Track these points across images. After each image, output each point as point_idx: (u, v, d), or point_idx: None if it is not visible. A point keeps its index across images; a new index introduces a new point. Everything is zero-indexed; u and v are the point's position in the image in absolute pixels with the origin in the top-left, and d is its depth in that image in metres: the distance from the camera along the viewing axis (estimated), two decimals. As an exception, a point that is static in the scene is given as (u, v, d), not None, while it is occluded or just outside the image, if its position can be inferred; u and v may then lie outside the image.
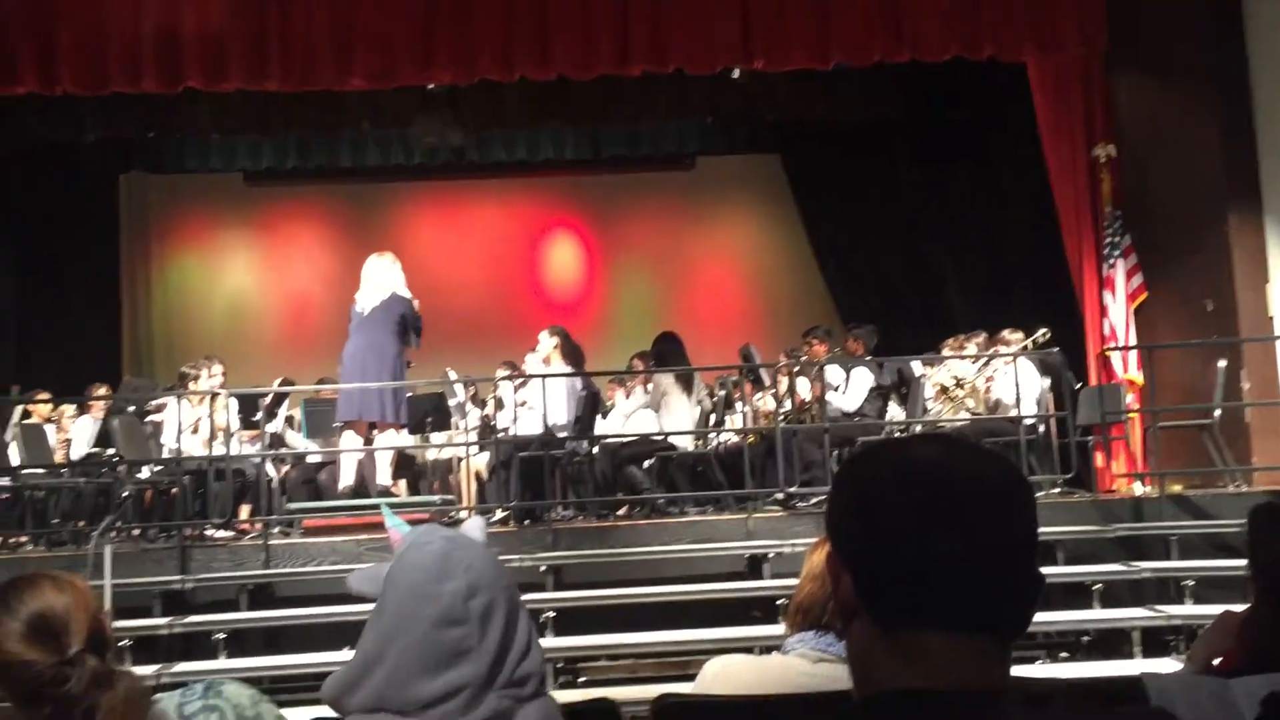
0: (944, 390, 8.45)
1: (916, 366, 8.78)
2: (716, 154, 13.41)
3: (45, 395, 9.13)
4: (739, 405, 9.05)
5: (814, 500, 7.64)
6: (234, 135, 11.96)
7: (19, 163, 11.63)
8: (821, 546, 2.19)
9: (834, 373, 8.47)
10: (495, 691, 1.43)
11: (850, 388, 8.47)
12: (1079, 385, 8.61)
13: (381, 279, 7.81)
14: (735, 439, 8.94)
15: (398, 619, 1.41)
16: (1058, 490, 7.97)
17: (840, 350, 9.00)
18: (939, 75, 10.23)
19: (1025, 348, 8.36)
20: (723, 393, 9.34)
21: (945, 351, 8.75)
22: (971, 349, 8.58)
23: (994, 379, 8.30)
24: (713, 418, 9.12)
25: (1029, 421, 7.96)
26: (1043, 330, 8.51)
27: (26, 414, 8.84)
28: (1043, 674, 4.69)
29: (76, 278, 12.38)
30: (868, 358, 8.74)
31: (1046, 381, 8.31)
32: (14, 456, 8.19)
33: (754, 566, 7.08)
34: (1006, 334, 8.53)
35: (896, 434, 8.59)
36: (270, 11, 9.10)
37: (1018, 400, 7.89)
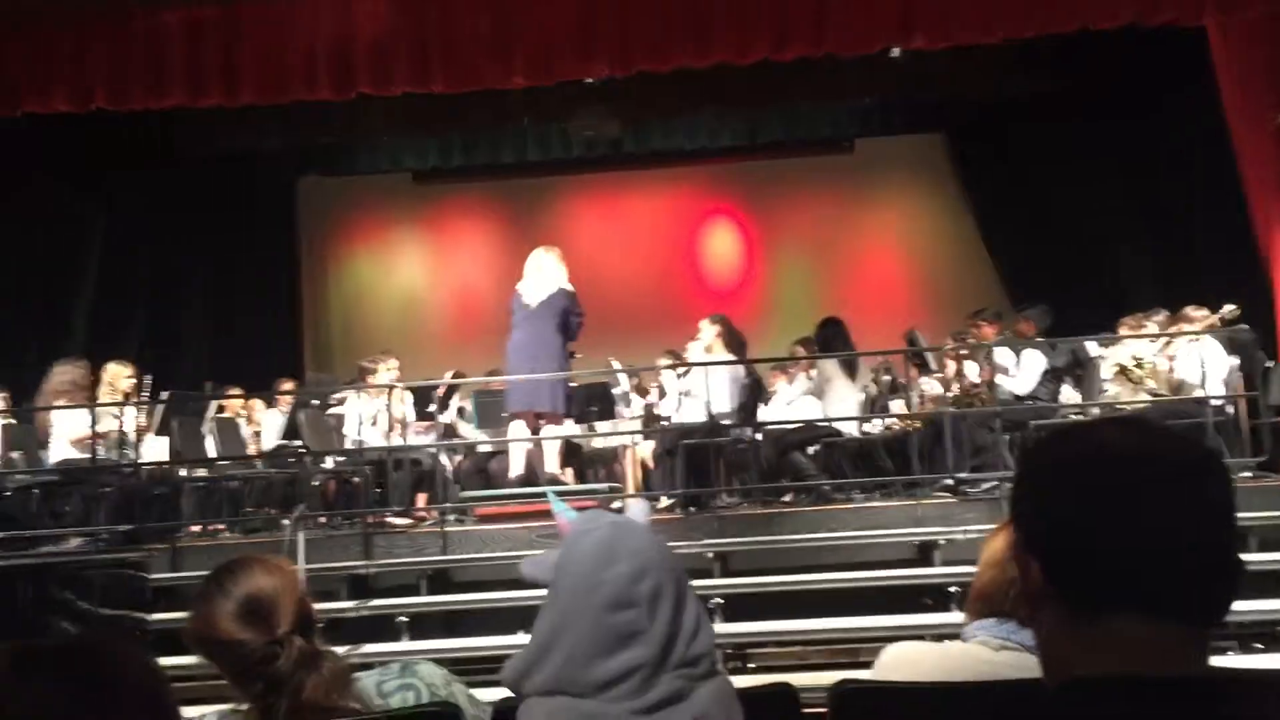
0: (1123, 371, 8.10)
1: (1092, 347, 8.45)
2: (876, 135, 13.18)
3: (237, 391, 9.65)
4: (904, 390, 8.90)
5: (985, 486, 7.46)
6: (402, 137, 12.38)
7: (205, 170, 12.32)
8: (1001, 533, 2.15)
9: (1004, 355, 8.24)
10: (669, 672, 1.46)
11: (1022, 370, 8.22)
12: (1270, 363, 8.14)
13: (546, 273, 7.95)
14: (901, 424, 8.80)
15: (569, 605, 1.45)
16: (1249, 474, 7.56)
17: (1010, 332, 8.74)
18: (1109, 42, 9.79)
19: (1212, 325, 7.95)
20: (888, 378, 9.20)
21: (1123, 331, 8.40)
22: (1151, 328, 8.21)
23: (1176, 359, 7.93)
24: (878, 403, 9.00)
25: (1216, 403, 7.58)
26: (1231, 307, 8.07)
27: (220, 409, 9.35)
28: (1236, 665, 4.48)
29: (261, 278, 13.09)
30: (1039, 339, 8.46)
31: (1235, 360, 7.89)
32: (210, 449, 8.70)
33: (924, 553, 6.96)
34: (1190, 311, 8.13)
35: (1073, 417, 8.30)
36: (433, 15, 9.39)
37: (1203, 380, 7.52)
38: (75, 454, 7.89)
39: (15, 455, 8.24)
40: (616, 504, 7.91)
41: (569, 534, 1.58)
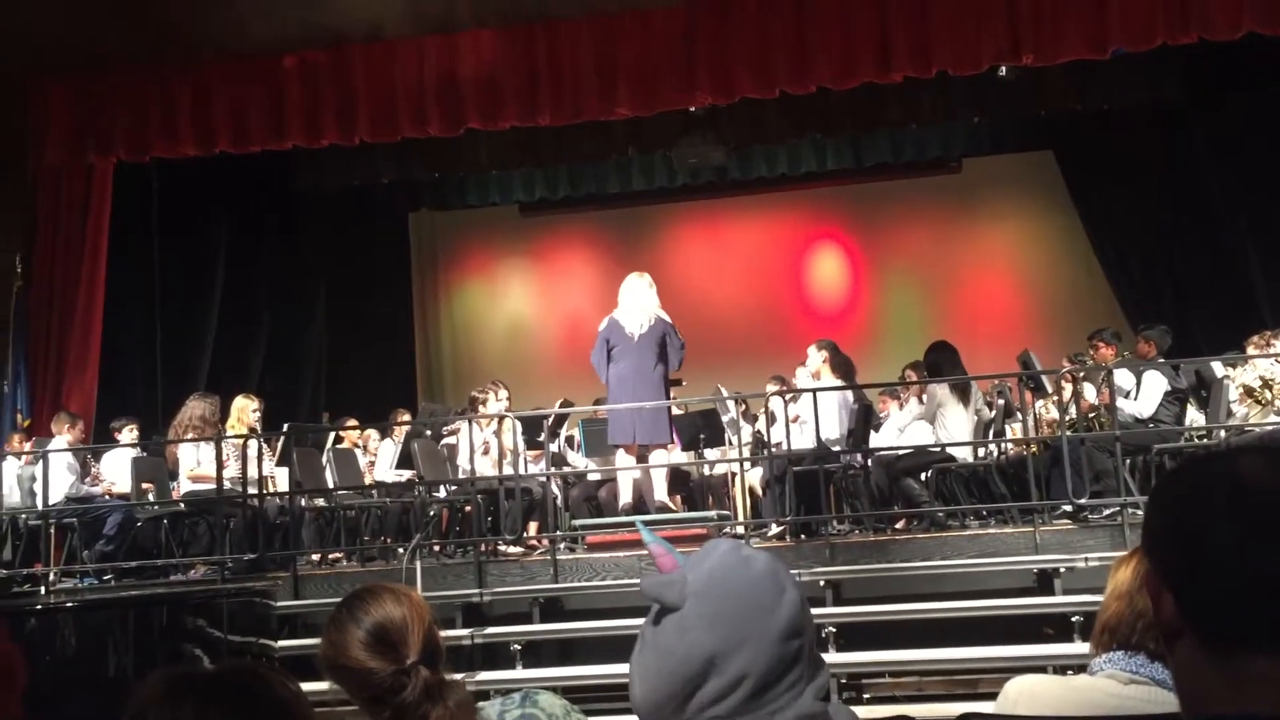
0: (1250, 392, 7.81)
1: (1218, 368, 8.16)
2: (984, 154, 12.97)
3: (353, 421, 9.90)
4: (1019, 414, 8.70)
5: (1107, 512, 7.24)
6: (509, 170, 12.60)
7: (322, 207, 12.72)
8: (1128, 563, 2.08)
9: (1124, 377, 8.00)
10: (810, 689, 1.44)
11: (1142, 392, 7.97)
12: None
13: (644, 301, 7.94)
14: (1016, 449, 8.60)
15: (744, 633, 1.39)
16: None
17: (1130, 353, 8.49)
18: (1224, 51, 9.49)
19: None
20: (1001, 401, 9.01)
21: (1250, 350, 8.09)
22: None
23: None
24: (992, 428, 8.81)
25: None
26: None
27: (338, 439, 9.60)
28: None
29: (375, 310, 13.45)
30: (1160, 360, 8.20)
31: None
32: (329, 478, 8.93)
33: (1044, 582, 6.78)
34: (1322, 328, 7.80)
35: (1199, 440, 8.03)
36: (539, 51, 9.58)
37: (1339, 401, 7.19)
38: (202, 486, 8.18)
39: (146, 487, 8.58)
40: (725, 530, 7.89)
41: (711, 561, 1.53)
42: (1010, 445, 8.76)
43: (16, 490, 8.74)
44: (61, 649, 4.46)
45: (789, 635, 1.39)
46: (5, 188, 9.94)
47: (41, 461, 8.21)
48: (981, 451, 8.49)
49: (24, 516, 8.48)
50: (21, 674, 1.29)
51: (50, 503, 8.14)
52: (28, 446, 8.94)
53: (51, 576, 8.20)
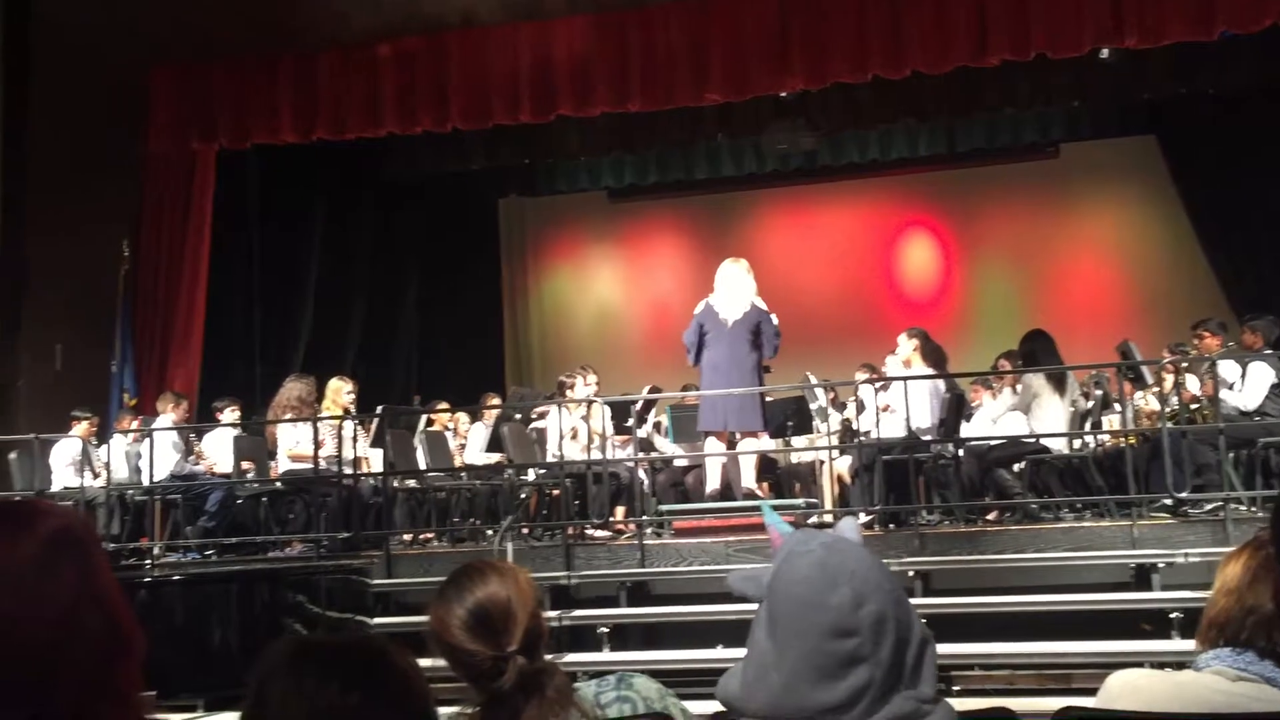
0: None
1: (1327, 359, 7.87)
2: (1083, 139, 12.64)
3: (444, 405, 10.05)
4: (1117, 405, 8.49)
5: (1209, 507, 7.04)
6: (599, 156, 12.64)
7: (414, 193, 12.92)
8: (1238, 558, 2.03)
9: (1228, 368, 7.77)
10: (899, 694, 1.43)
11: (1248, 384, 7.73)
12: None
13: (740, 288, 7.90)
14: (1114, 441, 8.41)
15: (788, 629, 1.40)
16: None
17: (1235, 344, 8.24)
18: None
19: None
20: (1099, 392, 8.80)
21: (1363, 342, 7.79)
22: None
23: None
24: (1089, 419, 8.62)
25: None
26: None
27: (429, 421, 9.76)
28: None
29: (465, 296, 13.62)
30: (1268, 351, 7.94)
31: None
32: (420, 460, 9.09)
33: (1141, 577, 6.63)
34: None
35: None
36: (631, 37, 9.60)
37: None
38: (299, 465, 8.39)
39: (246, 466, 8.83)
40: (812, 519, 7.85)
41: (784, 552, 1.54)
42: (1108, 437, 8.57)
43: (124, 466, 9.06)
44: (169, 620, 4.64)
45: (838, 633, 1.36)
46: (115, 174, 10.28)
47: (148, 439, 8.50)
48: (1077, 443, 8.32)
49: (131, 492, 8.79)
50: (143, 644, 1.35)
51: (155, 479, 8.42)
52: (135, 425, 9.26)
53: (156, 550, 8.50)
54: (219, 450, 9.05)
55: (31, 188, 9.96)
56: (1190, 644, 2.11)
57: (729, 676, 1.52)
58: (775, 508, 7.86)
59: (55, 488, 8.70)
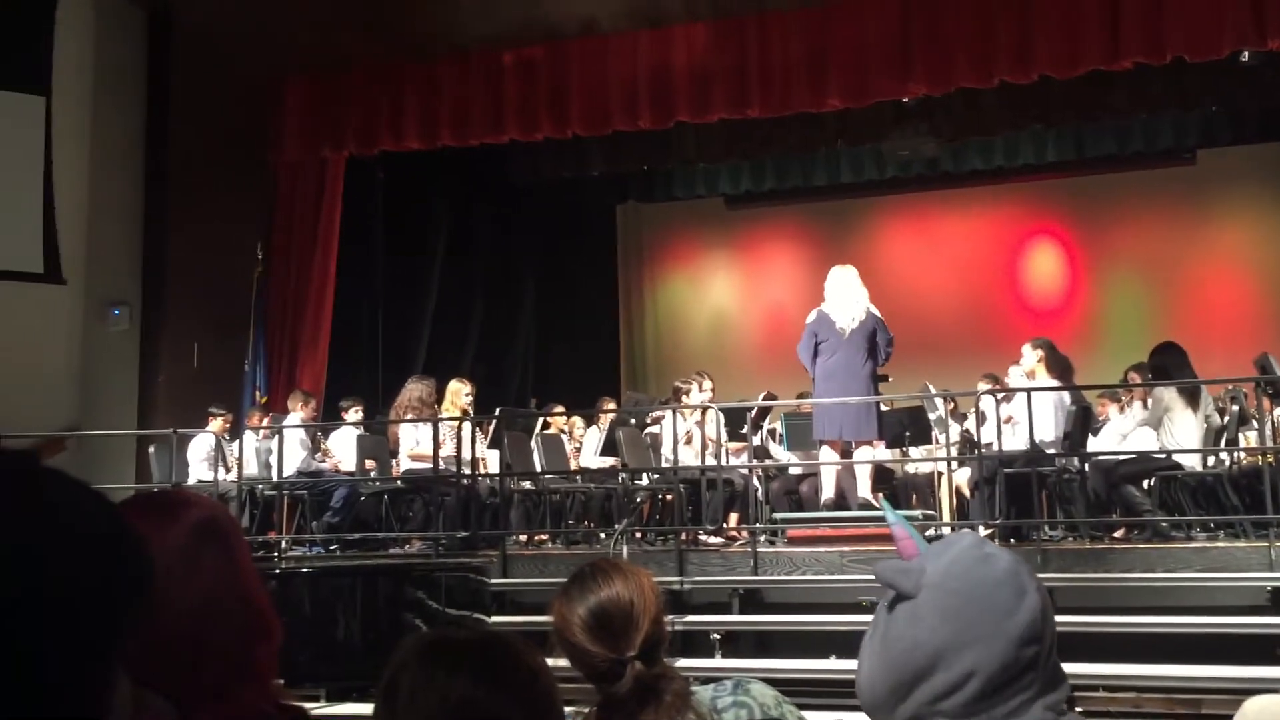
0: None
1: None
2: (1222, 146, 12.16)
3: (560, 408, 10.17)
4: (1254, 421, 8.14)
5: (1353, 530, 6.71)
6: (716, 163, 12.63)
7: (532, 199, 13.10)
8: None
9: (1376, 385, 7.39)
10: (1040, 702, 1.40)
11: (1398, 402, 7.35)
12: None
13: (854, 295, 7.81)
14: (1250, 459, 8.06)
15: (975, 632, 1.34)
16: None
17: (1383, 359, 7.82)
18: None
19: None
20: (1236, 408, 8.45)
21: None
22: None
23: None
24: (1224, 435, 8.28)
25: None
26: None
27: (546, 424, 9.88)
28: None
29: (582, 300, 13.77)
30: None
31: None
32: (536, 462, 9.21)
33: (1278, 600, 6.34)
34: None
35: None
36: (750, 43, 9.57)
37: None
38: (419, 465, 8.58)
39: (370, 464, 9.06)
40: (929, 532, 7.71)
41: (951, 554, 1.49)
42: (1244, 454, 8.22)
43: (254, 462, 9.38)
44: (296, 611, 4.79)
45: (1026, 641, 1.34)
46: (249, 181, 10.66)
47: (277, 436, 8.80)
48: (1211, 460, 8.00)
49: (260, 487, 9.10)
50: (280, 631, 1.40)
51: (284, 475, 8.70)
52: (265, 422, 9.58)
53: (283, 544, 8.78)
54: (344, 448, 9.31)
55: (172, 193, 10.41)
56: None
57: (924, 678, 1.37)
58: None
59: (190, 481, 9.05)
